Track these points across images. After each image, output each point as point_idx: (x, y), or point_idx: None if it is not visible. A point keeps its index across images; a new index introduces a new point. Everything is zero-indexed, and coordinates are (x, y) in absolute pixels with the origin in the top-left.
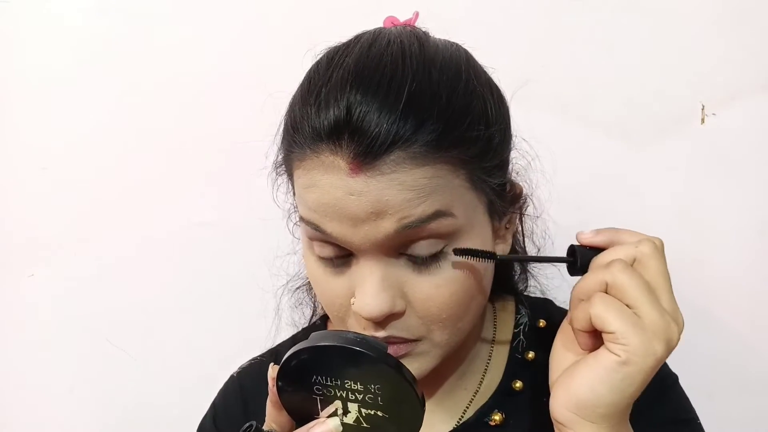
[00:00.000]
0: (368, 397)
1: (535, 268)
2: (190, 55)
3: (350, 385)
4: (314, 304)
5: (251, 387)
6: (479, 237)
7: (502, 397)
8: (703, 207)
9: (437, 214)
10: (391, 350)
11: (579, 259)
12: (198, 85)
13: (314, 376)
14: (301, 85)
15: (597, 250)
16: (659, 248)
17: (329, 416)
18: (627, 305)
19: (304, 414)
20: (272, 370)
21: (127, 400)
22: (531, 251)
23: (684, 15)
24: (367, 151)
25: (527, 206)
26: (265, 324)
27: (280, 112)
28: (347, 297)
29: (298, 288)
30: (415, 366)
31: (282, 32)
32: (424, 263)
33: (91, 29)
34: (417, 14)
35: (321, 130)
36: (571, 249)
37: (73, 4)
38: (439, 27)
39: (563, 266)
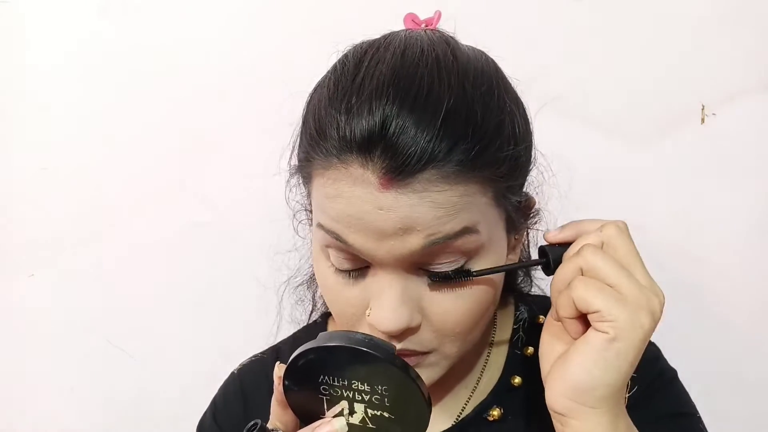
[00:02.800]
0: (375, 398)
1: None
2: (190, 55)
3: (357, 385)
4: (314, 301)
5: (252, 384)
6: (497, 253)
7: (500, 392)
8: (703, 207)
9: (464, 231)
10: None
11: (550, 257)
12: (198, 85)
13: (321, 376)
14: (326, 87)
15: (566, 245)
16: (623, 229)
17: (335, 416)
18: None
19: (309, 413)
20: (279, 369)
21: (127, 400)
22: (530, 251)
23: (684, 15)
24: (400, 168)
25: (539, 219)
26: (265, 322)
27: (280, 112)
28: (361, 307)
29: (298, 286)
30: (430, 374)
31: (282, 33)
32: (444, 278)
33: (91, 29)
34: (439, 14)
35: (352, 140)
36: (542, 250)
37: (73, 3)
38: (439, 26)
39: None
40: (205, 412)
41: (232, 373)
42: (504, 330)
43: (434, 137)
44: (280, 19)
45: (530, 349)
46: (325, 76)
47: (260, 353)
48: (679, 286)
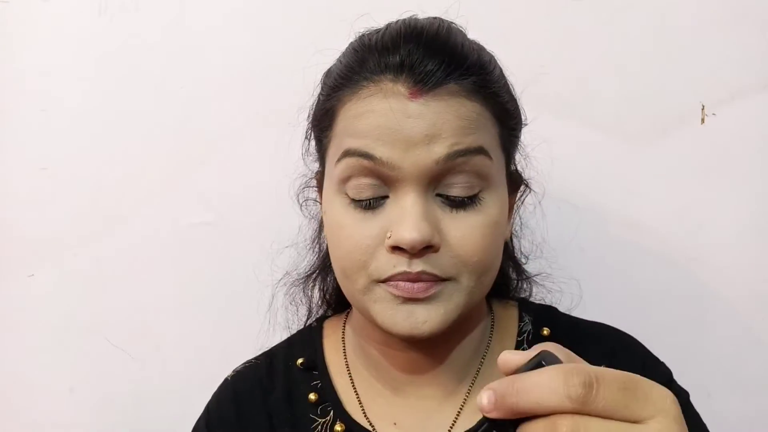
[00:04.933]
0: None
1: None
2: (190, 55)
3: None
4: (310, 306)
5: (245, 391)
6: (502, 198)
7: None
8: (702, 206)
9: (480, 150)
10: (422, 287)
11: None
12: (198, 85)
13: None
14: (350, 46)
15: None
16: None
17: None
18: None
19: None
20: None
21: (127, 400)
22: (531, 250)
23: (684, 15)
24: (427, 79)
25: (527, 193)
26: (265, 323)
27: (281, 112)
28: (378, 237)
29: (292, 287)
30: (441, 311)
31: (282, 32)
32: (460, 205)
33: (91, 29)
34: None
35: (385, 62)
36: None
37: (73, 4)
38: None
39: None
40: (198, 420)
41: (226, 379)
42: (507, 340)
43: (455, 56)
44: (281, 19)
45: None
46: (347, 49)
47: (254, 359)
48: (679, 286)
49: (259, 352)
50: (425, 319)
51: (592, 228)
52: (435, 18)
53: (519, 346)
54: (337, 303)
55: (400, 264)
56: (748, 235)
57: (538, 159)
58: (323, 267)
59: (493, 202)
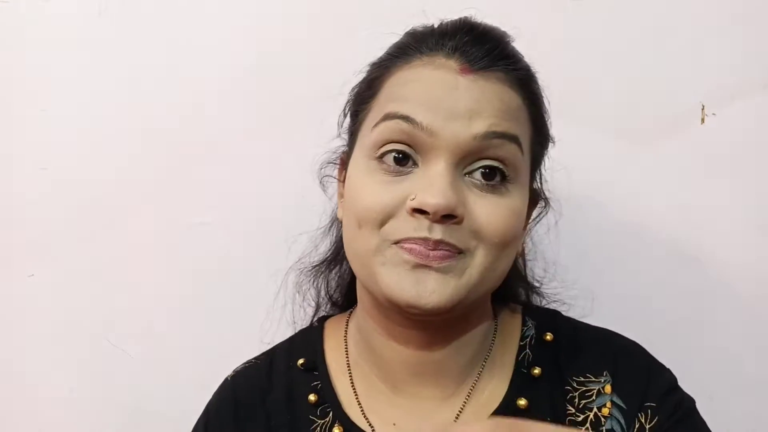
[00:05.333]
0: None
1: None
2: (189, 55)
3: None
4: (317, 303)
5: (245, 391)
6: (525, 198)
7: (504, 414)
8: (703, 207)
9: (516, 139)
10: (436, 257)
11: None
12: (198, 85)
13: None
14: (405, 36)
15: None
16: None
17: None
18: None
19: None
20: None
21: (127, 400)
22: (529, 249)
23: (684, 15)
24: (479, 60)
25: (543, 214)
26: (265, 323)
27: (282, 112)
28: (400, 199)
29: (314, 272)
30: (452, 284)
31: (282, 32)
32: (486, 188)
33: (91, 29)
34: None
35: (442, 42)
36: None
37: (73, 4)
38: None
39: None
40: (198, 421)
41: (226, 379)
42: (510, 343)
43: (506, 48)
44: (281, 19)
45: (537, 370)
46: (402, 38)
47: (254, 359)
48: (679, 285)
49: (260, 352)
50: (434, 289)
51: (592, 228)
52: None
53: (521, 351)
54: (342, 302)
55: (421, 229)
56: (749, 235)
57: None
58: (334, 259)
59: (518, 195)
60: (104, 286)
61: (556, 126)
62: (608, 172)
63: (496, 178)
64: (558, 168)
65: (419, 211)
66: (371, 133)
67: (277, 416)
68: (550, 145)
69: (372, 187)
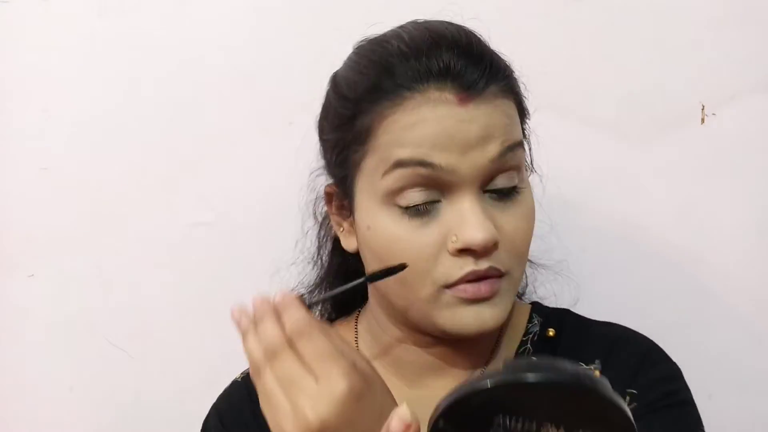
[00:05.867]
0: None
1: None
2: (190, 55)
3: (548, 429)
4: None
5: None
6: (531, 191)
7: None
8: (702, 207)
9: (521, 143)
10: (488, 286)
11: None
12: (198, 85)
13: (498, 417)
14: (364, 55)
15: None
16: None
17: None
18: None
19: None
20: (407, 413)
21: (127, 400)
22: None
23: (684, 15)
24: (473, 84)
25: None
26: None
27: (282, 112)
28: (439, 243)
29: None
30: (503, 306)
31: (283, 32)
32: (506, 197)
33: (91, 29)
34: None
35: (426, 70)
36: None
37: (72, 4)
38: None
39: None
40: (207, 421)
41: (236, 380)
42: (515, 338)
43: (492, 62)
44: (281, 19)
45: None
46: (349, 57)
47: None
48: (680, 285)
49: None
50: (491, 316)
51: (592, 228)
52: (444, 21)
53: (522, 346)
54: (340, 309)
55: (467, 264)
56: (749, 235)
57: (537, 159)
58: (327, 277)
59: (527, 191)
60: (104, 286)
61: (556, 126)
62: (608, 172)
63: (511, 184)
64: (558, 168)
65: (464, 250)
66: (382, 180)
67: None
68: (547, 141)
69: (406, 240)
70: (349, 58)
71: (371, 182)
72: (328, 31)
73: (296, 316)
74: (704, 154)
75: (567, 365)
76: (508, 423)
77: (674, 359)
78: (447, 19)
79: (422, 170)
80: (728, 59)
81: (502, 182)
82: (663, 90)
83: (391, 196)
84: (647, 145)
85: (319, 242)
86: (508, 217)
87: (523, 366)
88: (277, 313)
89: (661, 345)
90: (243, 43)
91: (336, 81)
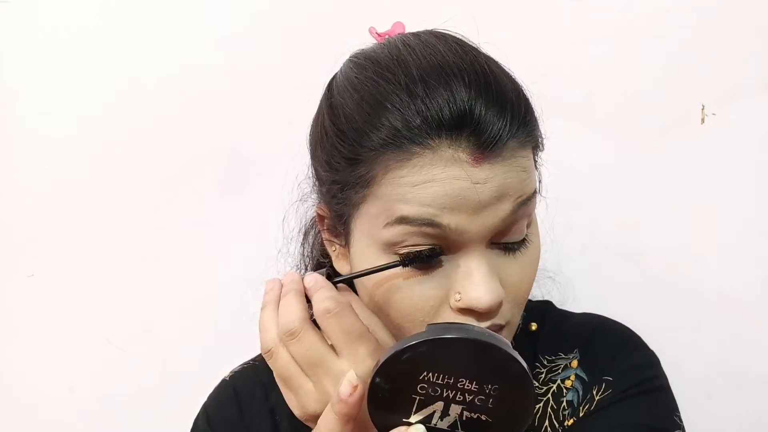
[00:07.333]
0: (479, 399)
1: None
2: (190, 57)
3: (464, 384)
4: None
5: (245, 391)
6: (539, 232)
7: None
8: (702, 207)
9: (535, 192)
10: None
11: None
12: (198, 85)
13: (424, 373)
14: (365, 85)
15: None
16: None
17: (418, 422)
18: None
19: (388, 420)
20: (354, 376)
21: (127, 400)
22: None
23: (684, 15)
24: (491, 143)
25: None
26: None
27: (281, 114)
28: (440, 298)
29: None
30: None
31: (283, 32)
32: (512, 248)
33: (90, 29)
34: (398, 25)
35: (441, 124)
36: None
37: (72, 4)
38: (440, 27)
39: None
40: (196, 421)
41: (224, 380)
42: None
43: (515, 109)
44: (281, 19)
45: None
46: (348, 79)
47: (251, 360)
48: (679, 284)
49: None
50: None
51: (592, 228)
52: (454, 44)
53: None
54: None
55: (469, 322)
56: (748, 235)
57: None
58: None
59: (535, 235)
60: (104, 287)
61: (556, 126)
62: (608, 172)
63: (520, 237)
64: (558, 168)
65: (467, 310)
66: (383, 230)
67: (280, 409)
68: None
69: (405, 291)
70: (348, 79)
71: (371, 227)
72: (333, 37)
73: (326, 294)
74: (704, 154)
75: (476, 327)
76: (431, 377)
77: (674, 358)
78: (448, 21)
79: (429, 229)
80: (728, 59)
81: (511, 236)
82: (663, 90)
83: (391, 247)
84: (647, 145)
85: (320, 242)
86: (514, 267)
87: (440, 327)
88: (302, 294)
89: (661, 344)
90: (243, 43)
91: (333, 105)
